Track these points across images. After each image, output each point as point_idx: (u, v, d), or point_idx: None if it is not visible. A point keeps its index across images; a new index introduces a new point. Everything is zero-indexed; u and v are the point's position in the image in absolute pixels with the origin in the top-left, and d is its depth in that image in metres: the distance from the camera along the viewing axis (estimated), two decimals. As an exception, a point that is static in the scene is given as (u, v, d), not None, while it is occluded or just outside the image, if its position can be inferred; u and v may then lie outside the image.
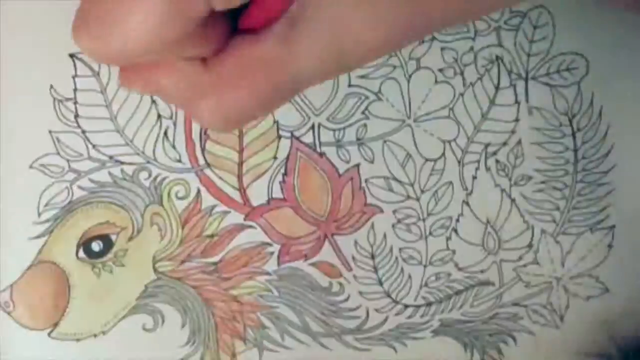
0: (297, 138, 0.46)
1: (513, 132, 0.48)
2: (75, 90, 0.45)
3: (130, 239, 0.46)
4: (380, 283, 0.48)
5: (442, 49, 0.47)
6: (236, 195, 0.46)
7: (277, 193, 0.46)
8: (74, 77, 0.44)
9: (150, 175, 0.46)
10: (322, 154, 0.46)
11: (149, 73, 0.30)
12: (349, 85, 0.46)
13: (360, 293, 0.48)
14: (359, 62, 0.33)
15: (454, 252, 0.48)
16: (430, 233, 0.48)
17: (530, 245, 0.49)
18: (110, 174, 0.45)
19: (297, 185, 0.46)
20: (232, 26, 0.29)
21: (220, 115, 0.31)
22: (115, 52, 0.27)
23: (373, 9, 0.31)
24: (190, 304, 0.47)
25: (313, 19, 0.30)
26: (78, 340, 0.46)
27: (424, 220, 0.48)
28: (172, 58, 0.30)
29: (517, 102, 0.48)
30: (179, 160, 0.46)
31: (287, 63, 0.31)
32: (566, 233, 0.49)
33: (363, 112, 0.46)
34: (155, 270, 0.46)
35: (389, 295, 0.48)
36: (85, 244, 0.46)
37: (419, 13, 0.33)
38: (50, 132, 0.45)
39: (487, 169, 0.48)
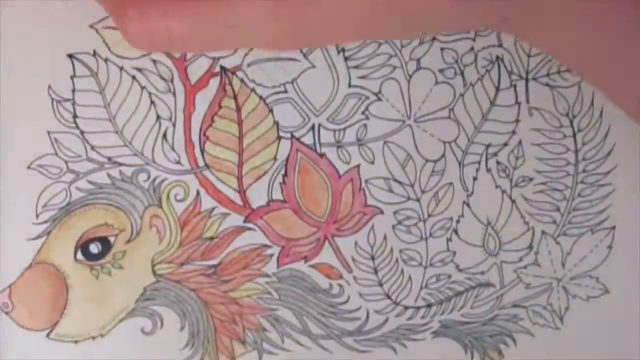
0: (297, 139, 0.46)
1: (514, 132, 0.48)
2: (73, 90, 0.44)
3: (129, 241, 0.46)
4: (381, 284, 0.48)
5: (442, 49, 0.46)
6: (236, 197, 0.46)
7: (277, 194, 0.46)
8: (72, 78, 0.44)
9: (149, 177, 0.45)
10: (322, 155, 0.46)
11: None
12: (349, 86, 0.46)
13: (360, 295, 0.48)
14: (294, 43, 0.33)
15: (454, 253, 0.48)
16: (431, 234, 0.48)
17: (530, 247, 0.49)
18: (108, 175, 0.45)
19: (297, 187, 0.46)
20: None
21: (146, 34, 0.31)
22: None
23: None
24: (189, 306, 0.46)
25: None
26: (76, 342, 0.46)
27: (424, 221, 0.48)
28: None
29: (517, 102, 0.47)
30: (178, 162, 0.45)
31: (233, 5, 0.30)
32: (567, 234, 0.49)
33: (363, 113, 0.46)
34: (154, 272, 0.46)
35: (389, 297, 0.48)
36: (83, 246, 0.45)
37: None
38: (48, 132, 0.44)
39: (488, 170, 0.48)
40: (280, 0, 0.30)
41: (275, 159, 0.46)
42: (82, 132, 0.45)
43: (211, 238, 0.46)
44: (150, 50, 0.42)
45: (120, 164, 0.45)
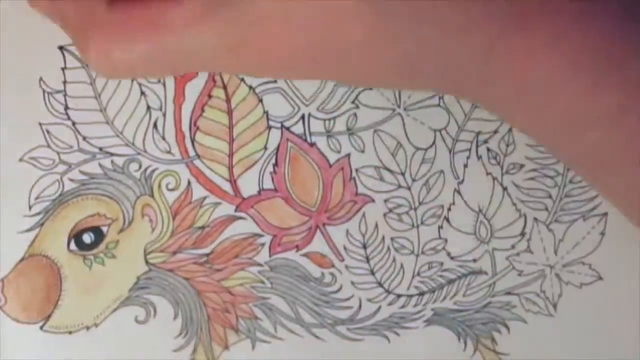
0: (287, 128, 0.46)
1: (504, 120, 0.48)
2: (64, 82, 0.45)
3: (121, 230, 0.46)
4: (373, 273, 0.48)
5: (432, 37, 0.47)
6: (227, 187, 0.46)
7: (267, 184, 0.46)
8: (63, 69, 0.44)
9: (140, 167, 0.46)
10: (312, 144, 0.46)
11: None
12: (339, 75, 0.46)
13: (353, 283, 0.48)
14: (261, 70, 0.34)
15: (446, 241, 0.48)
16: (422, 222, 0.48)
17: (522, 234, 0.49)
18: (100, 165, 0.45)
19: (287, 176, 0.46)
20: None
21: (107, 61, 0.32)
22: None
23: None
24: (182, 295, 0.47)
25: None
26: (70, 332, 0.46)
27: (415, 209, 0.48)
28: None
29: (507, 89, 0.47)
30: (169, 152, 0.46)
31: (190, 37, 0.31)
32: (559, 221, 0.49)
33: (353, 102, 0.46)
34: (146, 261, 0.46)
35: (381, 285, 0.48)
36: (76, 236, 0.46)
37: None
38: (40, 124, 0.45)
39: (479, 157, 0.48)
40: (226, 35, 0.31)
41: (265, 148, 0.46)
42: (73, 123, 0.45)
43: (203, 227, 0.46)
44: (113, 78, 0.43)
45: (112, 154, 0.46)
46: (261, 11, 0.31)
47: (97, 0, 0.32)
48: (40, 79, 0.44)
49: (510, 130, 0.48)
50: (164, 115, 0.45)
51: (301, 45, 0.32)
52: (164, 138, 0.45)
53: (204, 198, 0.46)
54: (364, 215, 0.48)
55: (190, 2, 0.31)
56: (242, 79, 0.45)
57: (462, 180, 0.48)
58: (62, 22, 0.33)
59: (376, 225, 0.48)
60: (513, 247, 0.49)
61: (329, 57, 0.32)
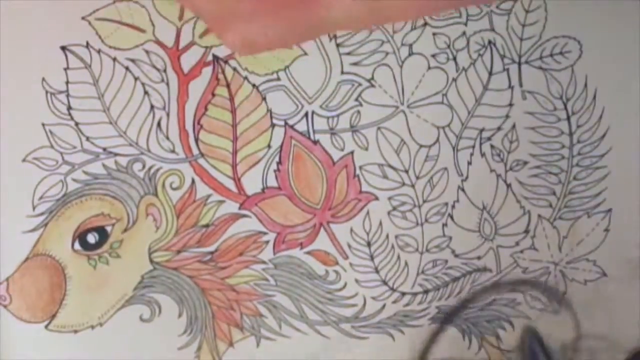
0: (291, 126, 0.46)
1: (507, 116, 0.48)
2: (67, 82, 0.44)
3: (126, 230, 0.46)
4: (377, 271, 0.48)
5: (435, 34, 0.47)
6: (231, 185, 0.46)
7: (271, 181, 0.46)
8: (65, 70, 0.44)
9: (144, 166, 0.46)
10: (316, 142, 0.46)
11: None
12: (342, 72, 0.46)
13: (357, 281, 0.48)
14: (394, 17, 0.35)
15: (450, 238, 0.48)
16: (426, 220, 0.48)
17: (527, 231, 0.49)
18: (104, 165, 0.45)
19: (291, 174, 0.46)
20: None
21: (245, 42, 0.35)
22: None
23: None
24: (186, 293, 0.47)
25: None
26: (75, 332, 0.46)
27: (419, 207, 0.48)
28: None
29: (510, 86, 0.47)
30: (173, 151, 0.46)
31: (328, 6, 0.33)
32: (563, 218, 0.49)
33: (356, 99, 0.46)
34: (151, 260, 0.46)
35: (385, 283, 0.48)
36: (80, 236, 0.46)
37: None
38: (43, 125, 0.45)
39: (482, 154, 0.48)
40: None
41: (269, 146, 0.46)
42: (76, 124, 0.45)
43: (207, 225, 0.46)
44: (249, 54, 0.45)
45: (116, 154, 0.45)
46: None
47: None
48: (43, 79, 0.44)
49: (514, 127, 0.48)
50: (168, 114, 0.45)
51: None
52: (167, 137, 0.45)
53: (208, 196, 0.46)
54: (367, 212, 0.48)
55: None
56: (246, 78, 0.45)
57: (466, 178, 0.48)
58: (197, 13, 0.37)
59: (380, 223, 0.48)
60: (517, 244, 0.49)
61: None
